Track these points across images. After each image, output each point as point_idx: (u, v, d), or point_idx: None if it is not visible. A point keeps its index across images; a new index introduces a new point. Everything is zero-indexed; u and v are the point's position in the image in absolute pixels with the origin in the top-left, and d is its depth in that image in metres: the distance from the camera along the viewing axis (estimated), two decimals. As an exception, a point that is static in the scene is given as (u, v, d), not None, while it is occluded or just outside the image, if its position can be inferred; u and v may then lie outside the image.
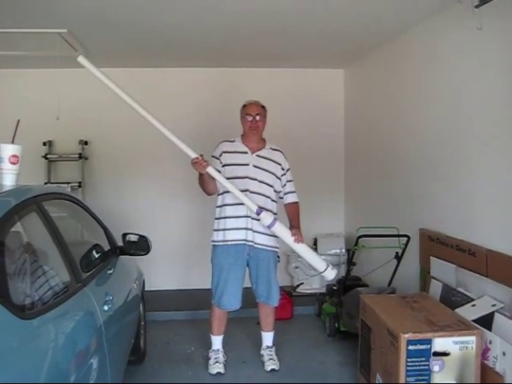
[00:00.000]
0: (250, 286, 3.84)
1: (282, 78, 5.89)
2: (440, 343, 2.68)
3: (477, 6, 2.79)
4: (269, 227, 3.46)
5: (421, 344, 2.67)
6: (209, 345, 3.92)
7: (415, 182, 4.21)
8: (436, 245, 3.73)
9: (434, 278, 3.69)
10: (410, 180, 4.31)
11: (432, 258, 3.74)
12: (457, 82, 3.56)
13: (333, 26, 4.15)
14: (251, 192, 3.63)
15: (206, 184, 3.58)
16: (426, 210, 4.01)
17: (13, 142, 2.55)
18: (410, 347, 2.68)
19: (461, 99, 3.51)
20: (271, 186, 3.72)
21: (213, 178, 3.47)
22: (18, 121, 2.63)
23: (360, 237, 4.07)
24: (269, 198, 3.70)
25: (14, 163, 2.44)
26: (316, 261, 3.59)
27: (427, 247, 3.87)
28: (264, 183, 3.69)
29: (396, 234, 4.08)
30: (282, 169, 3.77)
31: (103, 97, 5.63)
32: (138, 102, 3.35)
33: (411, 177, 4.29)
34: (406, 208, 4.37)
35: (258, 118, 3.72)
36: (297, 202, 3.86)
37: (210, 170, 3.36)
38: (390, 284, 4.21)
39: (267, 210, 3.60)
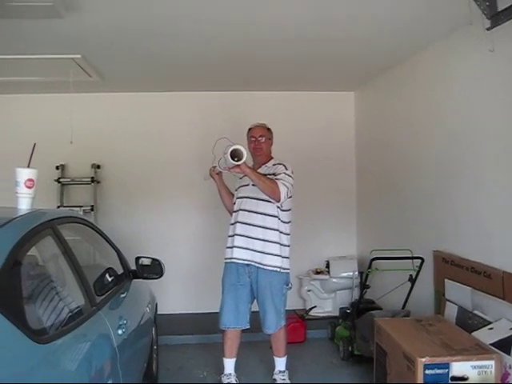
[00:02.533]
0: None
1: (294, 100, 5.93)
2: (458, 367, 2.64)
3: (488, 29, 2.80)
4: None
5: (438, 368, 2.64)
6: (222, 369, 3.89)
7: (428, 203, 4.18)
8: (450, 267, 3.69)
9: (449, 300, 3.64)
10: (423, 201, 4.28)
11: (447, 281, 3.70)
12: (468, 104, 3.56)
13: (344, 50, 4.19)
14: (248, 211, 3.69)
15: (221, 195, 3.94)
16: (440, 232, 3.98)
17: (28, 166, 2.56)
18: (428, 372, 2.64)
19: (472, 121, 3.50)
20: (268, 202, 3.65)
21: (227, 191, 3.91)
22: (34, 145, 2.65)
23: (373, 259, 4.04)
24: (267, 215, 3.67)
25: (29, 187, 2.45)
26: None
27: (441, 269, 3.83)
28: (261, 200, 3.67)
29: (410, 256, 4.04)
30: (274, 175, 3.66)
31: (116, 121, 5.78)
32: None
33: (424, 198, 4.26)
34: (420, 230, 4.34)
35: (260, 139, 3.81)
36: (276, 183, 3.56)
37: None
38: (404, 307, 4.16)
39: (266, 227, 3.66)
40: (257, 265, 3.66)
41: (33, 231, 2.06)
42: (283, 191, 3.53)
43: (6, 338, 1.57)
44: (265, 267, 3.66)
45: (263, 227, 3.67)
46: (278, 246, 3.68)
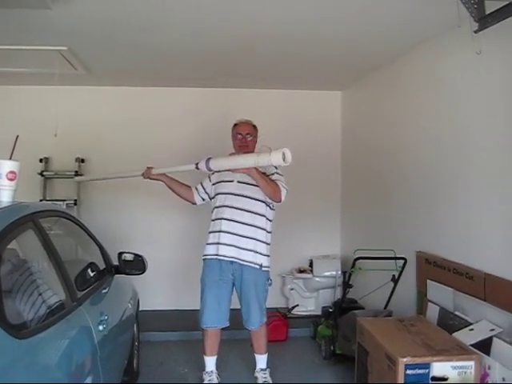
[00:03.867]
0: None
1: (280, 99, 5.92)
2: (438, 368, 2.66)
3: (476, 31, 2.81)
4: (208, 169, 3.47)
5: (419, 368, 2.65)
6: (203, 366, 3.87)
7: (412, 204, 4.21)
8: (433, 268, 3.71)
9: (430, 301, 3.67)
10: (408, 202, 4.31)
11: (429, 281, 3.72)
12: (455, 105, 3.58)
13: (331, 49, 4.19)
14: (236, 208, 3.65)
15: (173, 189, 3.93)
16: (424, 233, 4.00)
17: (11, 158, 2.53)
18: (409, 371, 2.65)
19: (459, 122, 3.53)
20: (258, 200, 3.66)
21: (177, 183, 3.91)
22: (17, 137, 2.63)
23: (357, 259, 4.04)
24: (257, 213, 3.66)
25: (11, 179, 2.42)
26: (266, 156, 3.11)
27: (424, 270, 3.85)
28: (250, 198, 3.65)
29: (393, 256, 4.06)
30: (265, 174, 3.63)
31: (101, 115, 5.73)
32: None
33: (408, 199, 4.29)
34: (403, 230, 4.36)
35: (247, 137, 3.78)
36: (277, 185, 3.59)
37: (155, 170, 3.84)
38: (386, 307, 4.17)
39: (256, 226, 3.64)
40: (243, 262, 3.63)
41: (13, 224, 2.03)
42: (284, 192, 3.57)
43: (-17, 332, 1.54)
44: (251, 265, 3.63)
45: (252, 225, 3.64)
46: (264, 245, 3.68)
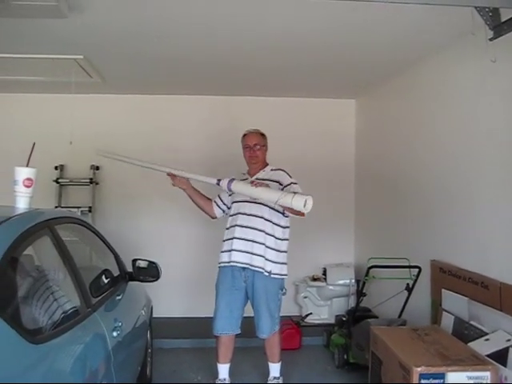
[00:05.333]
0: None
1: (293, 107, 5.93)
2: (453, 378, 2.62)
3: (491, 39, 2.81)
4: (228, 189, 3.48)
5: (434, 378, 2.62)
6: (216, 374, 3.87)
7: (427, 212, 4.18)
8: (448, 277, 3.68)
9: (445, 310, 3.63)
10: (422, 211, 4.28)
11: (444, 291, 3.69)
12: (469, 115, 3.56)
13: (346, 57, 4.20)
14: (248, 215, 3.66)
15: (196, 202, 3.95)
16: (438, 242, 3.97)
17: (27, 165, 2.56)
18: (423, 381, 2.63)
19: (474, 131, 3.50)
20: (268, 207, 3.64)
21: (199, 194, 3.93)
22: (34, 144, 2.64)
23: (371, 267, 4.03)
24: (268, 220, 3.66)
25: (28, 186, 2.45)
26: (281, 194, 3.17)
27: (439, 279, 3.82)
28: (262, 204, 3.64)
29: (407, 265, 4.04)
30: (280, 184, 3.67)
31: (116, 123, 5.77)
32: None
33: (423, 208, 4.26)
34: (417, 239, 4.34)
35: (255, 148, 3.79)
36: None
37: (178, 172, 3.81)
38: (400, 316, 4.15)
39: (267, 233, 3.64)
40: (254, 268, 3.64)
41: (30, 230, 2.05)
42: None
43: (0, 337, 1.55)
44: (262, 271, 3.63)
45: (264, 232, 3.64)
46: (274, 251, 3.67)
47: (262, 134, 3.88)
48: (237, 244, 3.67)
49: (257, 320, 3.73)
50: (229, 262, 3.70)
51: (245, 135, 3.88)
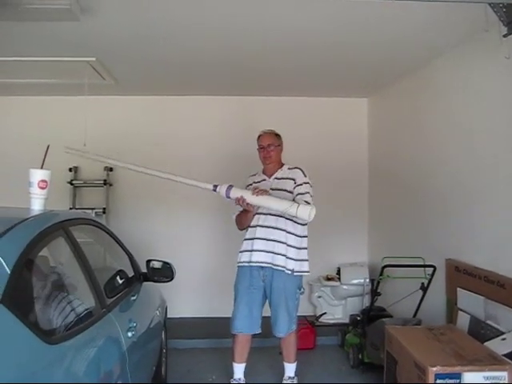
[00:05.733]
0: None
1: (305, 106, 5.93)
2: (470, 378, 2.59)
3: (505, 35, 2.78)
4: (227, 196, 3.46)
5: (450, 378, 2.60)
6: (231, 374, 3.87)
7: (441, 211, 4.15)
8: (463, 276, 3.65)
9: (461, 309, 3.61)
10: (436, 209, 4.25)
11: (459, 290, 3.66)
12: (483, 111, 3.53)
13: (358, 56, 4.18)
14: (268, 214, 3.65)
15: (246, 220, 3.72)
16: (453, 240, 3.94)
17: (42, 167, 2.58)
18: (439, 381, 2.60)
19: (489, 128, 3.47)
20: None
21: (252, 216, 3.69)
22: (48, 146, 2.67)
23: (385, 266, 4.01)
24: (289, 219, 3.63)
25: (42, 188, 2.47)
26: (284, 204, 3.35)
27: (454, 278, 3.79)
28: None
29: (422, 264, 4.01)
30: (295, 182, 3.72)
31: (129, 124, 5.80)
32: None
33: (437, 206, 4.23)
34: (432, 237, 4.31)
35: (269, 148, 3.80)
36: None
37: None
38: (415, 315, 4.12)
39: (288, 232, 3.64)
40: (276, 267, 3.63)
41: (45, 232, 2.06)
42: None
43: (16, 337, 1.57)
44: (284, 270, 3.63)
45: (285, 231, 3.64)
46: (294, 249, 3.66)
47: (277, 135, 3.88)
48: (258, 244, 3.67)
49: (274, 319, 3.73)
50: (249, 262, 3.70)
51: (259, 136, 3.89)
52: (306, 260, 3.76)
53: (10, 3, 2.73)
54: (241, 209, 3.67)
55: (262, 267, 3.67)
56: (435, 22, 3.31)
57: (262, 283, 3.71)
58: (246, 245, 3.75)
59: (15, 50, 3.91)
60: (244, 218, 3.72)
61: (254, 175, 3.92)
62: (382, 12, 3.16)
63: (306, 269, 3.76)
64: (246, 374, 3.86)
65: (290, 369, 3.87)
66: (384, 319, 4.06)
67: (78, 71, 4.37)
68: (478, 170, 3.60)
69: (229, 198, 3.48)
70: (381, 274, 4.07)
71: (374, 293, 4.26)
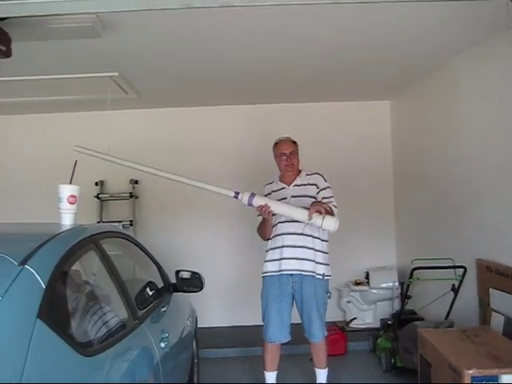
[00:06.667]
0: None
1: (326, 112, 5.91)
2: (507, 380, 2.55)
3: (528, 31, 2.76)
4: (249, 204, 3.43)
5: (486, 381, 2.56)
6: (262, 382, 3.86)
7: (469, 211, 4.09)
8: (495, 276, 3.60)
9: (494, 310, 3.55)
10: (464, 209, 4.19)
11: (492, 290, 3.61)
12: (509, 110, 3.48)
13: (379, 56, 4.16)
14: (290, 222, 3.60)
15: (267, 228, 3.68)
16: (483, 240, 3.89)
17: (70, 183, 2.62)
18: (475, 384, 2.57)
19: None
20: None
21: (271, 224, 3.65)
22: (76, 162, 2.72)
23: (415, 269, 3.97)
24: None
25: (72, 203, 2.52)
26: (319, 220, 3.25)
27: (485, 278, 3.73)
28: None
29: (452, 265, 3.96)
30: (317, 187, 3.70)
31: (152, 137, 5.87)
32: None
33: (465, 206, 4.18)
34: (461, 238, 4.25)
35: (292, 156, 3.77)
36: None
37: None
38: (447, 317, 4.07)
39: (314, 237, 3.62)
40: (306, 273, 3.62)
41: (76, 246, 2.09)
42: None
43: (53, 350, 1.59)
44: (314, 275, 3.61)
45: (312, 236, 3.62)
46: (321, 253, 3.66)
47: (294, 142, 3.85)
48: (287, 252, 3.65)
49: (308, 325, 3.71)
50: (279, 271, 3.67)
51: (277, 143, 3.85)
52: (329, 264, 3.74)
53: (37, 24, 2.80)
54: (260, 219, 3.67)
55: (292, 274, 3.66)
56: (457, 20, 3.27)
57: (291, 290, 3.69)
58: (273, 254, 3.72)
59: (40, 70, 4.00)
60: (264, 227, 3.71)
61: (271, 183, 3.89)
62: (401, 12, 3.13)
63: (330, 273, 3.74)
64: (277, 381, 3.84)
65: (321, 375, 3.83)
66: (416, 322, 4.03)
67: (101, 87, 4.44)
68: (507, 167, 3.54)
69: (251, 205, 3.47)
70: (410, 277, 4.03)
71: (405, 296, 4.22)
